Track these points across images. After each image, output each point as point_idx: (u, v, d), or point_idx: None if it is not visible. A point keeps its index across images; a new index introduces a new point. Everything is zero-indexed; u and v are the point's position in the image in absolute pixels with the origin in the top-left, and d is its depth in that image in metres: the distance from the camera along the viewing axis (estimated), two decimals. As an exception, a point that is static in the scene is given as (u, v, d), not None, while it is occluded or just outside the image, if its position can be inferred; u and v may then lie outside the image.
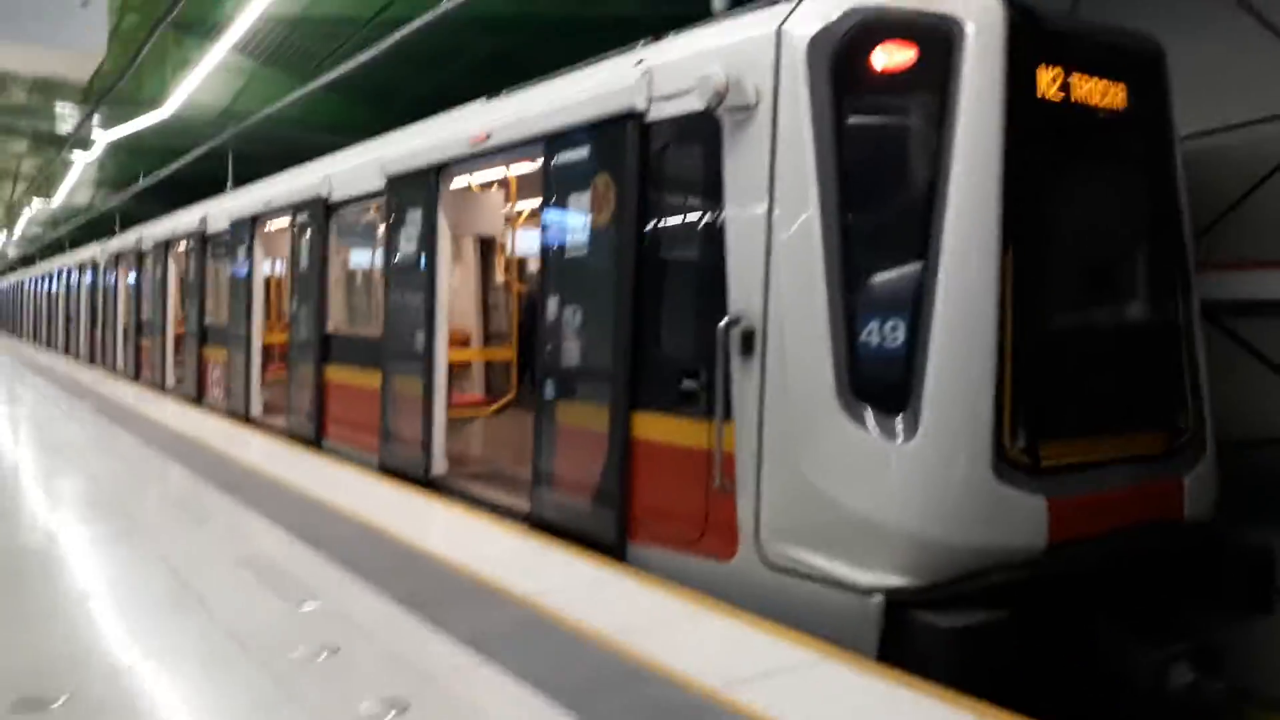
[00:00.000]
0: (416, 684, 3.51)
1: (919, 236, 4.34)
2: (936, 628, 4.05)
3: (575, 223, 5.71)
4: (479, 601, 4.47)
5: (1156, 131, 5.17)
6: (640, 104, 5.22)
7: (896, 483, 4.24)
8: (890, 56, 4.42)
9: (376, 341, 8.25)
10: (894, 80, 4.45)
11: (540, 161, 6.07)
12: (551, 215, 5.94)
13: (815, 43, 4.44)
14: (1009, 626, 4.11)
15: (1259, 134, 6.09)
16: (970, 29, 4.36)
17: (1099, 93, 4.84)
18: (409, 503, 6.69)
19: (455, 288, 10.38)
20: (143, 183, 19.72)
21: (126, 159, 19.93)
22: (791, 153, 4.47)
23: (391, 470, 7.86)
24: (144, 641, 3.97)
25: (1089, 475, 4.64)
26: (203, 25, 10.69)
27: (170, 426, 10.65)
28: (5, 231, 40.21)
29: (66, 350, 25.70)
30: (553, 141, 5.91)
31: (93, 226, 31.65)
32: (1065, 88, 4.68)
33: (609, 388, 5.40)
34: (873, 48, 4.42)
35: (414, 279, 7.55)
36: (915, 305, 4.31)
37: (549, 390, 5.95)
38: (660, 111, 5.17)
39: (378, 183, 8.16)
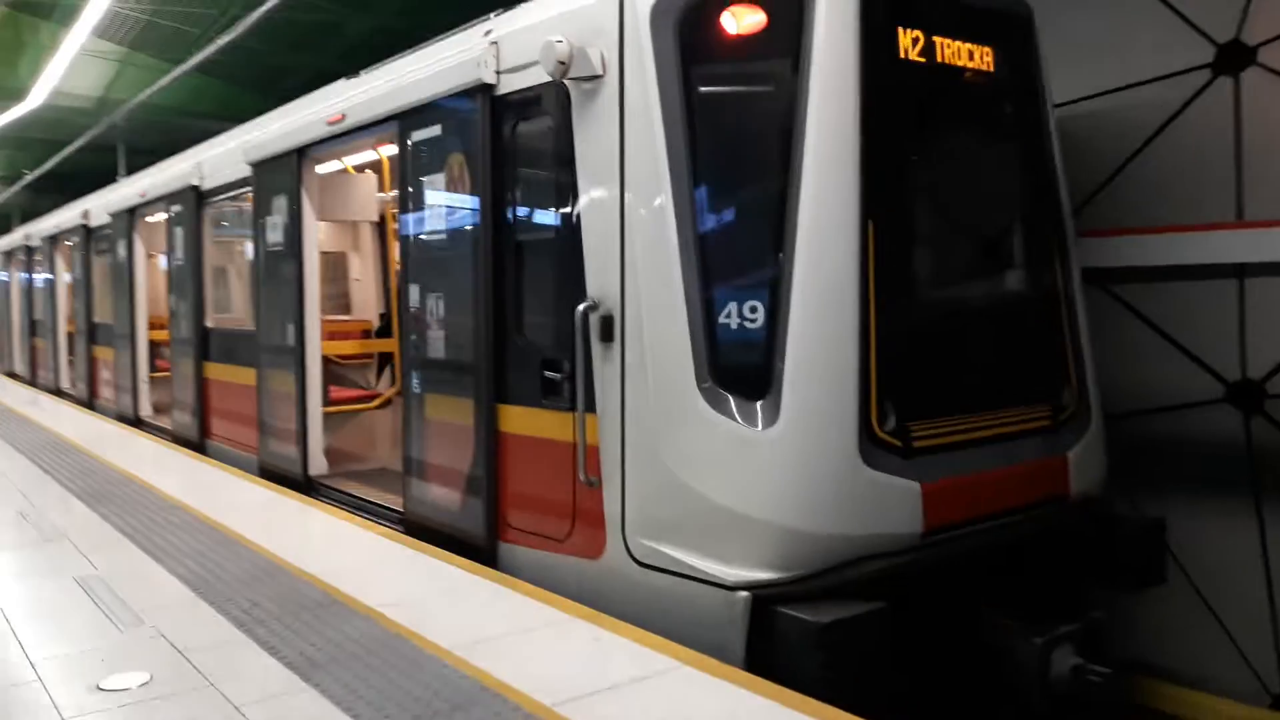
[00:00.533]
0: (219, 716, 3.19)
1: (775, 211, 4.09)
2: (805, 623, 3.82)
3: (431, 205, 5.38)
4: (323, 616, 4.16)
5: (1027, 96, 4.98)
6: (488, 76, 4.89)
7: (759, 471, 4.00)
8: (739, 20, 4.16)
9: (251, 336, 7.84)
10: (744, 45, 4.19)
11: (395, 142, 5.71)
12: (408, 198, 5.59)
13: (659, 6, 4.15)
14: (883, 619, 3.90)
15: (1138, 97, 5.97)
16: (822, -11, 4.10)
17: (965, 55, 4.62)
18: (279, 507, 6.33)
19: (358, 278, 9.99)
20: (29, 177, 18.80)
21: (14, 153, 18.98)
22: (639, 126, 4.19)
23: (271, 471, 7.47)
24: (-65, 684, 3.59)
25: (965, 455, 4.45)
26: (54, 8, 10.04)
27: (51, 430, 10.10)
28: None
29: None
30: (405, 119, 5.56)
31: (-9, 223, 30.29)
32: (928, 50, 4.46)
33: (472, 379, 5.10)
34: (720, 11, 4.14)
35: (282, 268, 7.15)
36: (773, 284, 4.07)
37: (414, 383, 5.63)
38: (509, 84, 4.85)
39: (245, 169, 7.72)
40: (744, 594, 3.94)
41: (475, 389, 5.06)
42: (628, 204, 4.23)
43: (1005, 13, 4.91)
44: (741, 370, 4.10)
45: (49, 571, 4.94)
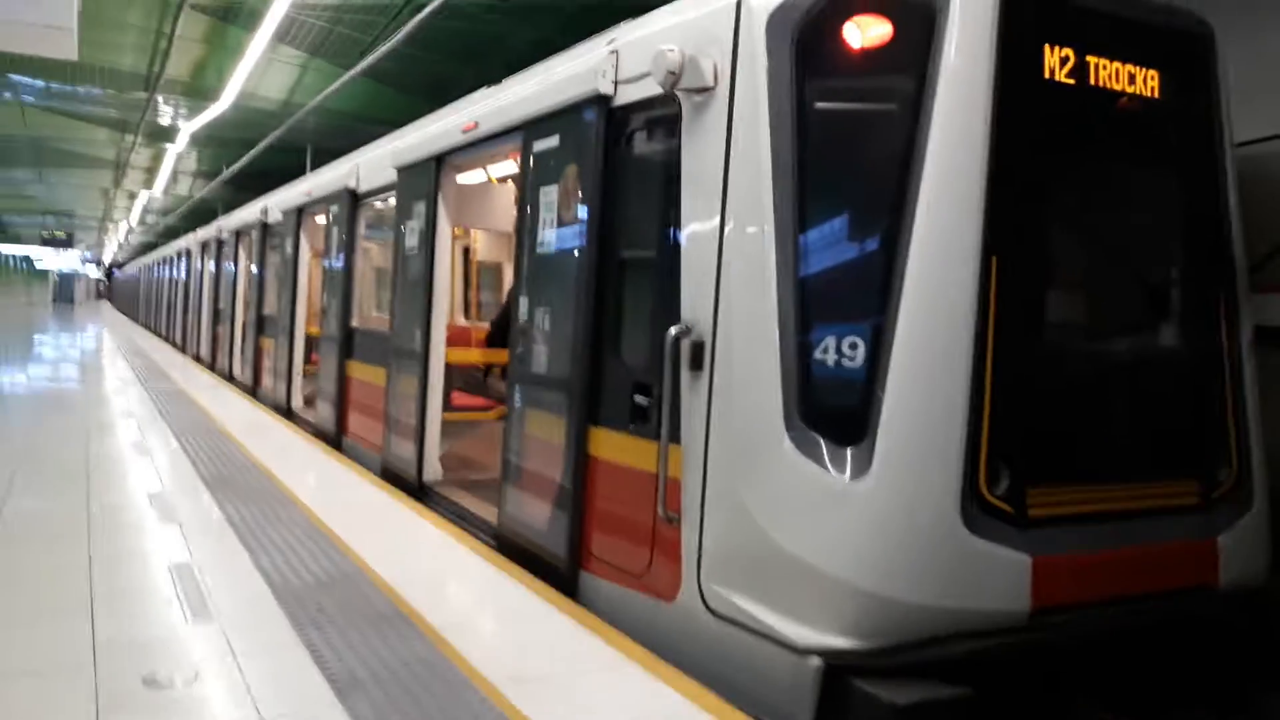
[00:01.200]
0: (242, 732, 3.10)
1: (885, 241, 3.73)
2: (879, 701, 3.45)
3: (545, 218, 5.25)
4: (383, 629, 4.05)
5: (1200, 129, 4.40)
6: (606, 87, 4.72)
7: (842, 526, 3.63)
8: (864, 31, 3.82)
9: (385, 336, 7.96)
10: (866, 59, 3.84)
11: (520, 151, 5.62)
12: (525, 209, 5.48)
13: (777, 15, 3.87)
14: (969, 707, 3.47)
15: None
16: (956, 1, 3.72)
17: (1125, 79, 4.12)
18: (387, 510, 6.33)
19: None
20: (226, 173, 20.10)
21: (217, 150, 20.37)
22: (746, 142, 3.91)
23: (391, 473, 7.54)
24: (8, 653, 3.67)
25: (1090, 530, 3.93)
26: (240, 13, 10.61)
27: (209, 414, 10.61)
28: (121, 220, 41.99)
29: (166, 337, 26.53)
30: (529, 129, 5.46)
31: (200, 216, 32.74)
32: (1079, 71, 3.99)
33: (567, 398, 4.92)
34: (843, 22, 3.82)
35: (415, 273, 7.21)
36: (877, 320, 3.70)
37: (516, 397, 5.50)
38: (626, 95, 4.66)
39: (392, 174, 7.87)
40: (815, 660, 3.58)
41: (568, 408, 4.88)
42: (727, 225, 3.96)
43: (1180, 31, 4.35)
44: (834, 412, 3.75)
45: (150, 554, 5.07)
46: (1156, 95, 4.20)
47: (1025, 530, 3.77)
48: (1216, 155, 4.42)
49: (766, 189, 3.82)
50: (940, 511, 3.60)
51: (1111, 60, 4.05)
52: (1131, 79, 4.12)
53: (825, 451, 3.69)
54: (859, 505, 3.61)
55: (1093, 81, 4.02)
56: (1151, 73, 4.17)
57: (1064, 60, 3.94)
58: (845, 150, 3.91)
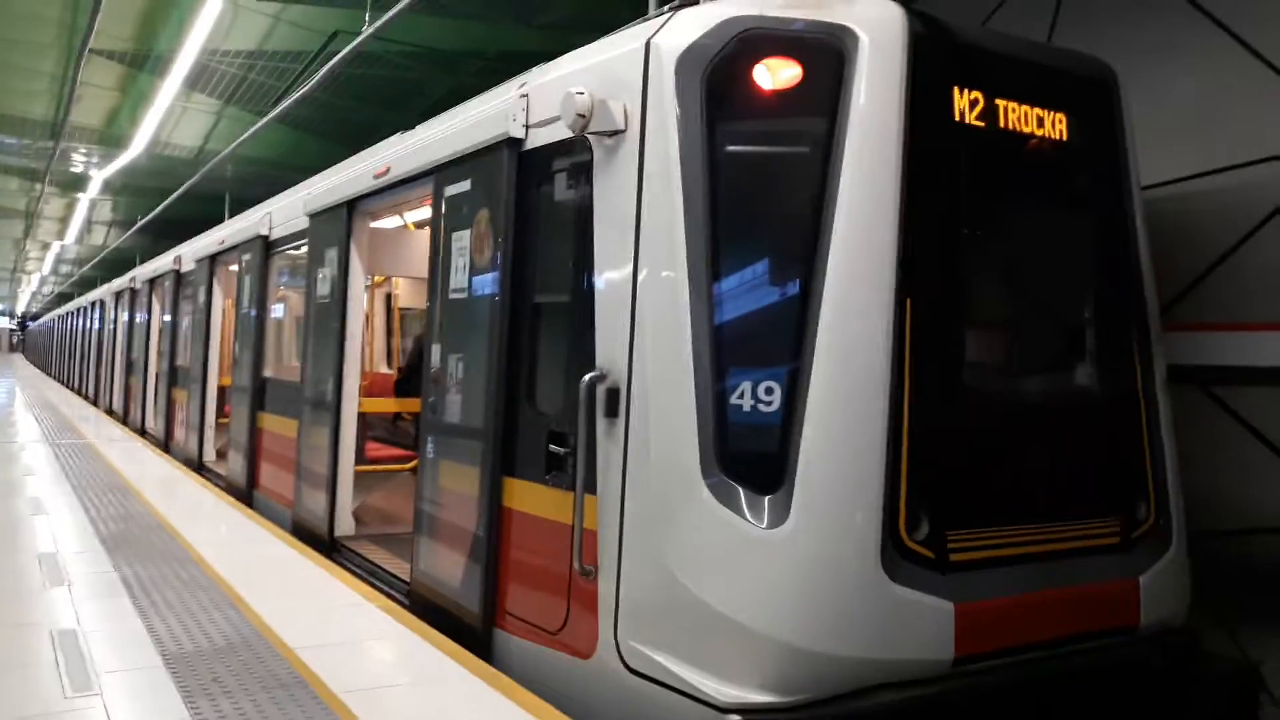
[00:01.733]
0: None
1: (799, 284, 3.67)
2: (802, 759, 3.32)
3: (457, 263, 5.11)
4: (280, 699, 3.80)
5: (1107, 171, 4.46)
6: (517, 131, 4.62)
7: (760, 577, 3.52)
8: (774, 74, 3.79)
9: (296, 387, 7.70)
10: (777, 102, 3.81)
11: (432, 196, 5.49)
12: (437, 254, 5.33)
13: (685, 58, 3.82)
14: (894, 760, 3.36)
15: (1253, 177, 5.37)
16: (865, 42, 3.71)
17: (1034, 121, 4.15)
18: (294, 569, 6.05)
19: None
20: (141, 222, 19.59)
21: (133, 199, 19.85)
22: (657, 185, 3.83)
23: (301, 529, 7.25)
24: None
25: (1011, 573, 3.87)
26: (146, 59, 10.36)
27: (115, 470, 10.15)
28: (34, 271, 40.71)
29: (79, 391, 25.62)
30: (440, 173, 5.33)
31: (117, 265, 31.86)
32: (988, 114, 4.01)
33: (480, 448, 4.75)
34: (752, 64, 3.78)
35: (328, 321, 6.99)
36: (793, 364, 3.63)
37: (428, 448, 5.31)
38: (537, 139, 4.57)
39: (304, 220, 7.66)
40: (735, 718, 3.44)
41: (481, 458, 4.71)
42: (641, 269, 3.86)
43: (1084, 76, 4.42)
44: (751, 458, 3.65)
45: (32, 623, 4.73)
46: (1064, 137, 4.24)
47: (947, 575, 3.69)
48: (1124, 196, 4.48)
49: (679, 233, 3.74)
50: (860, 559, 3.51)
51: (1020, 103, 4.08)
52: (1040, 122, 4.15)
53: (743, 499, 3.59)
54: (777, 554, 3.50)
55: (1002, 124, 4.04)
56: (1059, 116, 4.22)
57: (974, 103, 3.95)
58: (757, 193, 3.85)
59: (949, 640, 3.62)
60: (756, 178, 3.87)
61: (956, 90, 3.92)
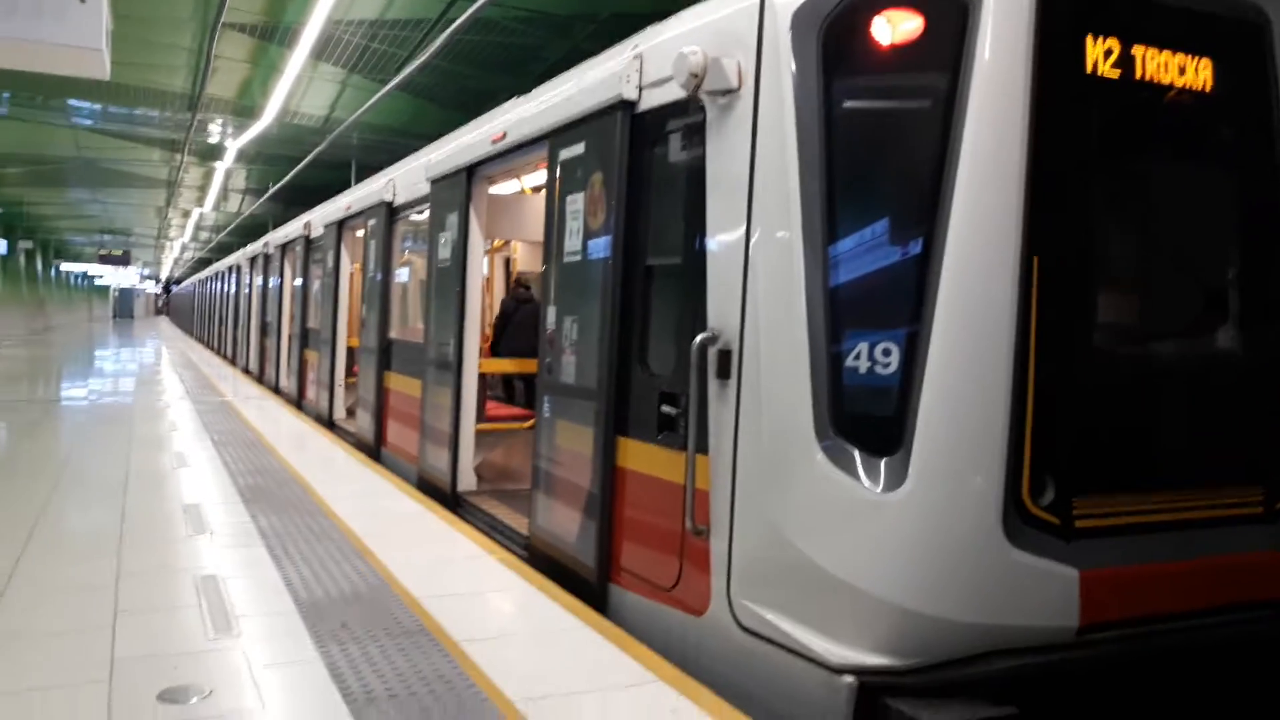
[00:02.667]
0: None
1: (919, 243, 3.57)
2: (916, 722, 3.28)
3: (571, 226, 5.16)
4: (405, 645, 3.97)
5: (1256, 120, 4.18)
6: (630, 92, 4.62)
7: (875, 539, 3.47)
8: (894, 27, 3.67)
9: (420, 347, 7.93)
10: (896, 56, 3.69)
11: (546, 160, 5.54)
12: (553, 218, 5.40)
13: (801, 12, 3.74)
14: (1012, 728, 3.29)
15: None
16: (991, -8, 3.56)
17: (1175, 70, 3.92)
18: (419, 522, 6.27)
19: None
20: (272, 189, 20.36)
21: (264, 167, 20.64)
22: (771, 144, 3.78)
23: (426, 484, 7.50)
24: None
25: (1143, 542, 3.73)
26: (276, 31, 10.69)
27: (251, 426, 10.67)
28: (176, 237, 42.79)
29: (218, 351, 26.94)
30: (555, 137, 5.38)
31: (251, 231, 33.28)
32: (1125, 63, 3.81)
33: (593, 408, 4.82)
34: (871, 17, 3.67)
35: (449, 284, 7.17)
36: (912, 325, 3.55)
37: (545, 408, 5.41)
38: (650, 100, 4.56)
39: (426, 186, 7.85)
40: (849, 679, 3.43)
41: (596, 418, 4.78)
42: (754, 229, 3.83)
43: (1232, 19, 4.14)
44: (867, 420, 3.60)
45: (179, 568, 5.04)
46: (1209, 87, 4.00)
47: (1071, 542, 3.59)
48: (1275, 149, 4.20)
49: (794, 192, 3.69)
50: (980, 524, 3.44)
51: (1160, 50, 3.86)
52: (1182, 70, 3.92)
53: (859, 462, 3.54)
54: (894, 518, 3.45)
55: (1139, 74, 3.83)
56: (1203, 63, 3.97)
57: (1108, 52, 3.76)
58: (875, 151, 3.76)
59: (1073, 608, 3.52)
60: (874, 135, 3.78)
61: (1090, 39, 3.73)
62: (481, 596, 4.76)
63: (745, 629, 3.83)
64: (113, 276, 63.68)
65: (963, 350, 3.47)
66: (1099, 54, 3.76)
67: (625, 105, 4.64)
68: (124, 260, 43.74)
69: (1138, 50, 3.83)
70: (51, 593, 4.56)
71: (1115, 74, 3.78)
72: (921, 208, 3.58)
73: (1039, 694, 3.47)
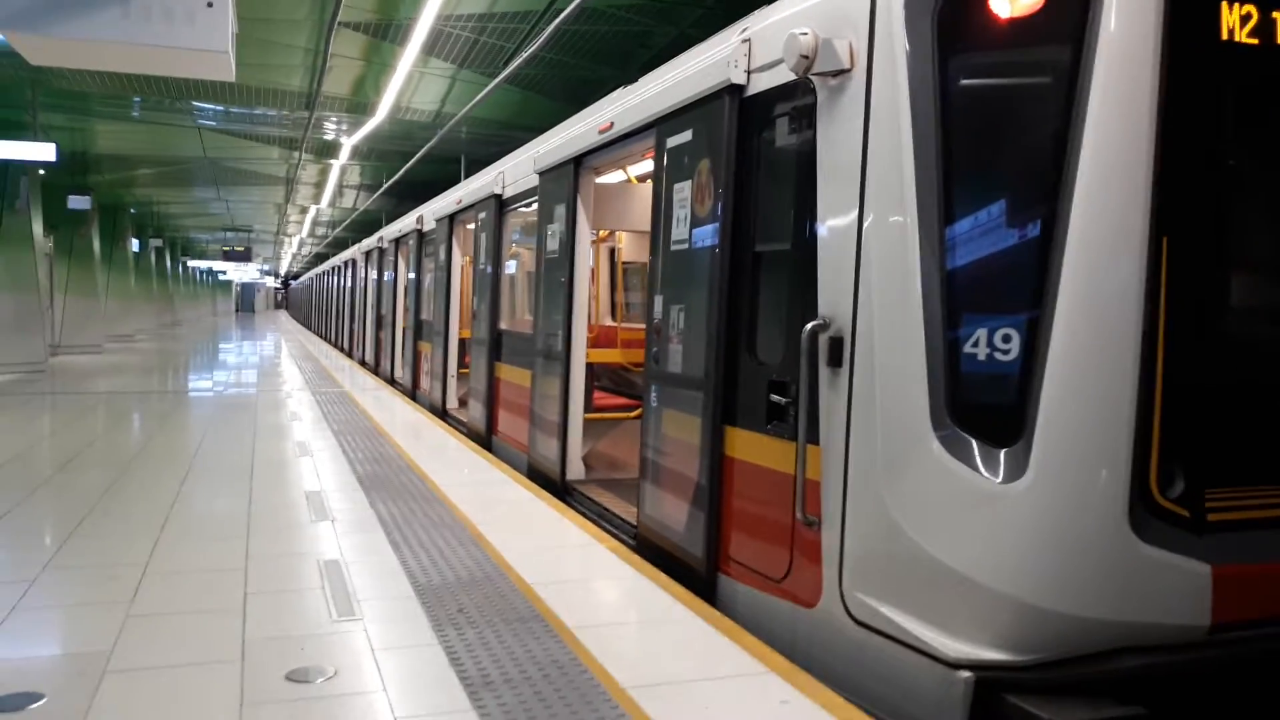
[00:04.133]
0: (376, 731, 3.12)
1: (1040, 227, 3.45)
2: (1038, 719, 3.19)
3: (679, 214, 5.15)
4: (520, 631, 4.04)
5: None
6: (738, 77, 4.58)
7: (995, 532, 3.38)
8: (1010, 2, 3.55)
9: (529, 338, 8.05)
10: (1015, 31, 3.56)
11: (654, 149, 5.54)
12: (659, 206, 5.39)
13: (915, -11, 3.64)
14: (1140, 728, 3.17)
15: None
16: (1116, -40, 3.41)
17: (1320, 36, 3.69)
18: (530, 509, 6.37)
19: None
20: (386, 185, 20.91)
21: (377, 163, 21.20)
22: (885, 125, 3.70)
23: (535, 473, 7.61)
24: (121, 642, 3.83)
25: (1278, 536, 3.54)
26: (388, 28, 10.94)
27: (368, 415, 11.01)
28: (294, 233, 44.33)
29: (335, 343, 27.85)
30: (662, 125, 5.37)
31: (365, 226, 34.26)
32: (1264, 30, 3.60)
33: (701, 397, 4.81)
34: (988, -9, 3.56)
35: (557, 275, 7.25)
36: (1034, 311, 3.43)
37: (652, 396, 5.43)
38: (759, 84, 4.51)
39: (534, 178, 7.94)
40: (966, 674, 3.35)
41: (703, 408, 4.77)
42: (867, 214, 3.76)
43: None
44: (986, 410, 3.50)
45: (303, 553, 5.23)
46: (1355, 54, 3.74)
47: (1203, 536, 3.42)
48: None
49: (908, 175, 3.60)
50: (1104, 516, 3.31)
51: (1301, 15, 3.63)
52: (1326, 36, 3.68)
53: (977, 452, 3.45)
54: (1014, 509, 3.35)
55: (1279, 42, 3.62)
56: (1349, 28, 3.72)
57: (1245, 18, 3.56)
58: (993, 131, 3.64)
59: (1205, 605, 3.36)
60: (993, 114, 3.65)
61: (1225, 4, 3.54)
62: (592, 584, 4.81)
63: (858, 622, 3.78)
64: (235, 272, 66.37)
65: (1087, 335, 3.33)
66: (1235, 20, 3.56)
67: (733, 90, 4.61)
68: (246, 256, 45.56)
69: (1278, 15, 3.61)
70: (186, 575, 4.78)
71: (1254, 41, 3.58)
72: (1043, 188, 3.45)
73: (1167, 694, 3.33)
